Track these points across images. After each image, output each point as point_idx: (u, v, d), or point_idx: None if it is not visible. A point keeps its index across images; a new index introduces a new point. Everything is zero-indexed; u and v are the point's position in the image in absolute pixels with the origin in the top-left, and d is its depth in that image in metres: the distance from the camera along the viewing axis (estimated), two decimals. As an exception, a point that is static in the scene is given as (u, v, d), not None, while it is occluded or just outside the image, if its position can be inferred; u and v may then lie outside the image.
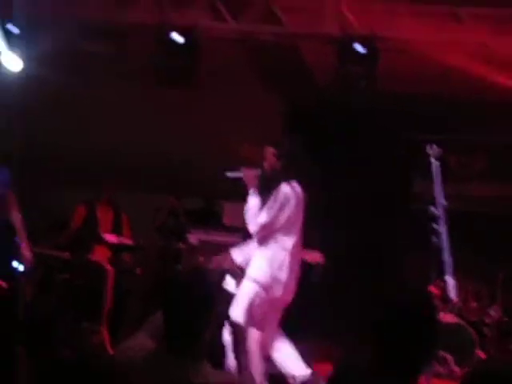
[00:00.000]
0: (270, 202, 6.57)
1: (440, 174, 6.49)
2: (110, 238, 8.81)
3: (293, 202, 6.60)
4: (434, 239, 6.20)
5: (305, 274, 7.03)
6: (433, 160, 6.46)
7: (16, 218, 7.01)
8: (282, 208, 6.57)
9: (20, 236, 6.99)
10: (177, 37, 8.02)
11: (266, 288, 6.56)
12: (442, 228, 6.20)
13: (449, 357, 6.87)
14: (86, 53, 8.09)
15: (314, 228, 9.15)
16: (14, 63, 8.11)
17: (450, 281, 6.27)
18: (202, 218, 10.07)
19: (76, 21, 8.05)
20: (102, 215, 9.11)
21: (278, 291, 6.61)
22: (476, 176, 10.73)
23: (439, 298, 6.48)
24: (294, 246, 6.70)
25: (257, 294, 6.53)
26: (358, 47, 8.22)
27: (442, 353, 6.85)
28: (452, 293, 6.34)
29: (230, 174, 6.72)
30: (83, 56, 8.19)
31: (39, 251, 8.36)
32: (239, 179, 6.70)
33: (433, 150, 6.48)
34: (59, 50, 7.95)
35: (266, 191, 6.63)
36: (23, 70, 8.12)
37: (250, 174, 6.64)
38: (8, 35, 7.97)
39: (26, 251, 6.95)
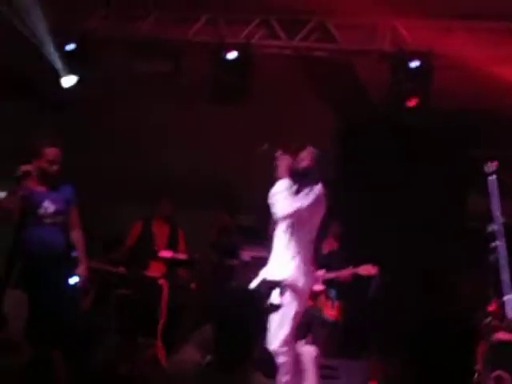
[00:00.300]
0: (305, 192, 6.34)
1: (496, 190, 6.32)
2: (165, 253, 8.80)
3: (323, 203, 6.47)
4: (492, 257, 6.04)
5: (361, 289, 6.88)
6: (490, 176, 6.29)
7: (77, 235, 6.99)
8: (315, 203, 6.44)
9: (79, 253, 6.95)
10: (231, 54, 8.00)
11: (295, 285, 6.36)
12: (500, 245, 6.03)
13: (505, 375, 6.68)
14: (141, 70, 8.08)
15: (369, 244, 9.04)
16: (69, 80, 8.13)
17: (508, 299, 6.08)
18: (255, 234, 10.00)
19: (132, 39, 8.06)
20: (158, 231, 9.11)
21: (304, 287, 6.43)
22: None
23: (497, 317, 6.31)
24: (314, 242, 6.49)
25: (294, 302, 6.35)
26: (412, 64, 8.12)
27: (498, 371, 6.66)
28: (510, 311, 6.15)
29: (260, 150, 6.47)
30: (138, 73, 8.18)
31: (96, 266, 8.41)
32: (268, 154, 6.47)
33: (490, 167, 6.32)
34: (114, 68, 7.97)
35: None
36: (79, 86, 8.16)
37: (285, 162, 6.48)
38: (63, 52, 8.00)
39: (82, 269, 6.91)
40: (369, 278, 7.86)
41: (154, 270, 8.75)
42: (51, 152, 6.78)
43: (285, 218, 6.35)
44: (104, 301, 8.47)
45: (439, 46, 8.11)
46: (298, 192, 6.37)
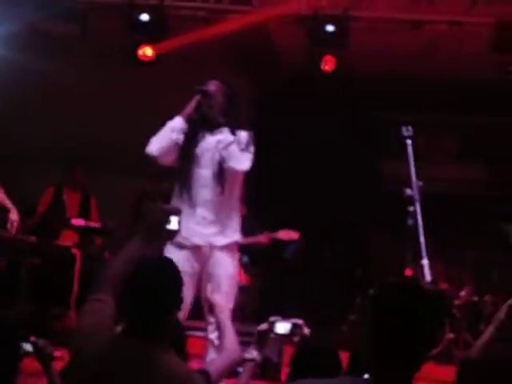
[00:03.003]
0: (243, 145, 5.21)
1: (412, 154, 5.90)
2: (77, 222, 8.19)
3: None
4: (409, 221, 5.61)
5: (278, 252, 6.42)
6: (407, 141, 5.84)
7: None
8: None
9: None
10: (143, 16, 7.33)
11: None
12: (417, 210, 5.60)
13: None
14: (48, 33, 7.35)
15: (282, 209, 8.62)
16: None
17: (425, 263, 5.68)
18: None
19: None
20: (69, 198, 8.48)
21: None
22: (445, 157, 10.21)
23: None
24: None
25: None
26: (329, 27, 7.63)
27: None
28: (427, 275, 5.74)
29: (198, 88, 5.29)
30: (44, 36, 7.44)
31: (4, 235, 7.78)
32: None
33: (407, 131, 5.87)
34: (21, 30, 7.23)
35: None
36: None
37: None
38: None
39: None
40: (286, 242, 7.33)
41: (66, 239, 8.16)
42: None
43: (240, 173, 5.31)
44: (16, 268, 7.85)
45: (356, 9, 7.65)
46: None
